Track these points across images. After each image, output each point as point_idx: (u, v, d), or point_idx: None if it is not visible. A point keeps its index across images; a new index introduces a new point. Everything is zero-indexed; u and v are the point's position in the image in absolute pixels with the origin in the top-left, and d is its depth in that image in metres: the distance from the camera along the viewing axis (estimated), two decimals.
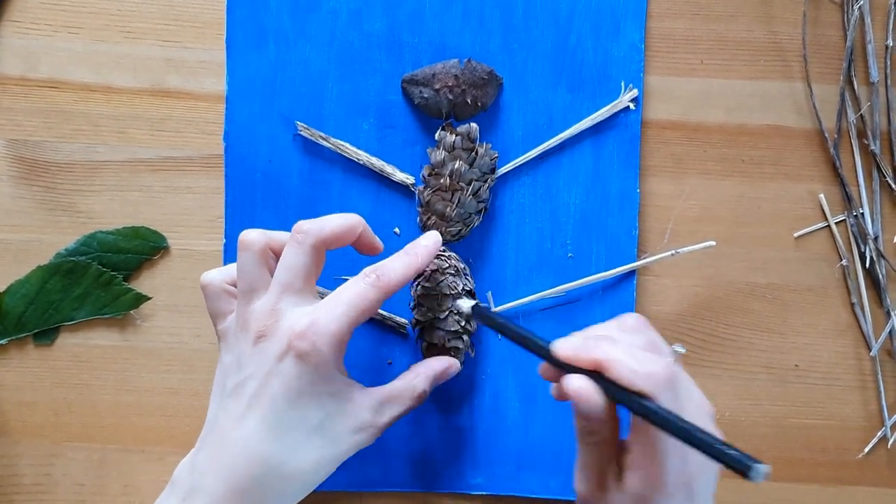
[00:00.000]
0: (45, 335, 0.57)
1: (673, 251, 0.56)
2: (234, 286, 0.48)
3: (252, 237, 0.46)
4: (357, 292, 0.45)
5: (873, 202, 0.58)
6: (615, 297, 0.57)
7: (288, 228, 0.55)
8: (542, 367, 0.44)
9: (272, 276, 0.46)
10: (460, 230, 0.55)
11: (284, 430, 0.44)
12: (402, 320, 0.56)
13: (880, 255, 0.57)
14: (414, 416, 0.56)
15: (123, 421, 0.58)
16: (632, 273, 0.56)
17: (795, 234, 0.58)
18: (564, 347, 0.41)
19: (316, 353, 0.43)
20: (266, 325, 0.45)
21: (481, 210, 0.55)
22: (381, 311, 0.56)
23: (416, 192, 0.56)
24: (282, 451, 0.44)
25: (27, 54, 0.57)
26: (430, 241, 0.50)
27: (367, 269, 0.47)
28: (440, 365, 0.51)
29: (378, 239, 0.50)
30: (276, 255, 0.48)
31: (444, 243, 0.56)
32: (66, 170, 0.57)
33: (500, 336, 0.57)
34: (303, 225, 0.46)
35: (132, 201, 0.57)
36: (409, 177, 0.56)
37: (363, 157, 0.56)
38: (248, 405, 0.44)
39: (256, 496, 0.43)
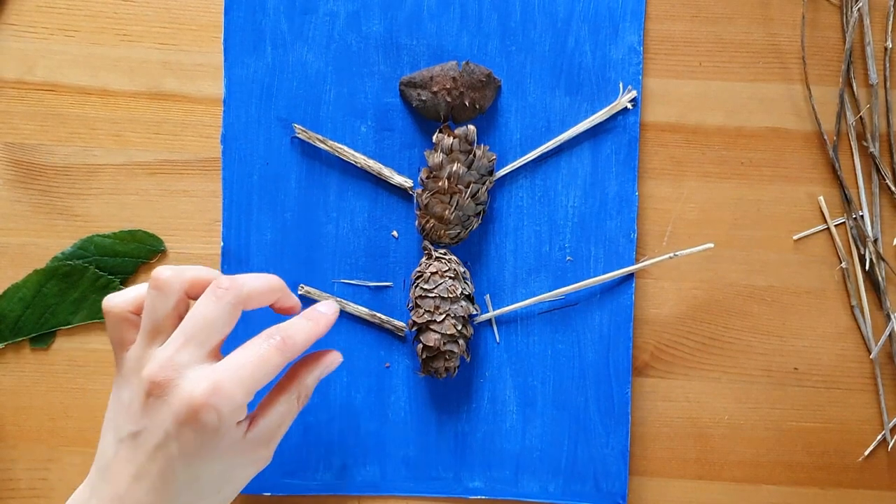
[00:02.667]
0: (42, 339, 0.57)
1: (672, 254, 0.56)
2: (138, 315, 0.45)
3: (167, 277, 0.44)
4: (262, 356, 0.43)
5: (873, 204, 0.57)
6: (614, 300, 0.56)
7: (285, 232, 0.56)
8: None
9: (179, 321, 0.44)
10: (459, 233, 0.55)
11: (181, 490, 0.42)
12: (400, 323, 0.56)
13: (880, 257, 0.57)
14: (412, 420, 0.56)
15: None
16: (630, 276, 0.56)
17: (795, 237, 0.58)
18: None
19: (219, 422, 0.41)
20: (162, 379, 0.42)
21: (480, 212, 0.55)
22: (378, 314, 0.56)
23: (415, 194, 0.56)
24: None
25: (23, 57, 0.57)
26: (330, 309, 0.48)
27: (270, 331, 0.45)
28: (319, 370, 0.48)
29: (295, 298, 0.49)
30: (190, 297, 0.45)
31: (443, 246, 0.55)
32: (63, 173, 0.57)
33: (497, 341, 0.57)
34: (223, 281, 0.44)
35: (129, 205, 0.57)
36: (408, 179, 0.56)
37: (360, 159, 0.56)
38: (144, 463, 0.42)
39: None
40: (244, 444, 0.44)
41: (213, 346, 0.44)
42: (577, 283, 0.56)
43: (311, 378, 0.48)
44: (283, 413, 0.46)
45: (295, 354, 0.45)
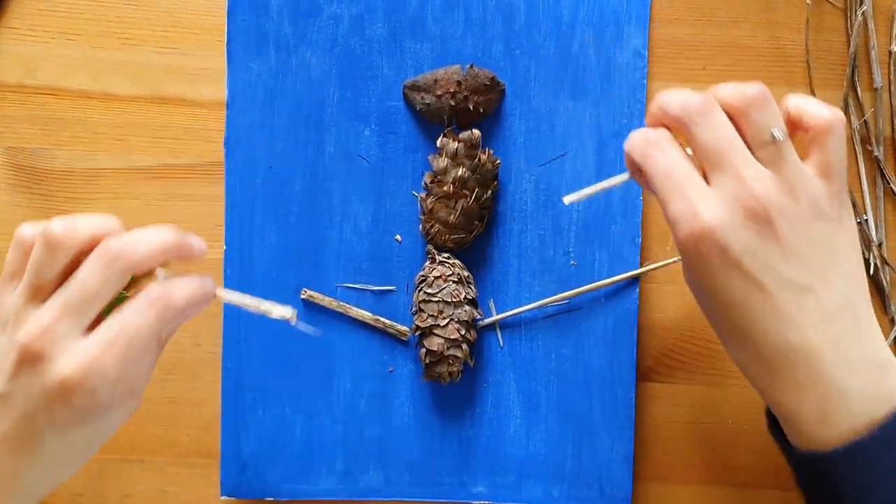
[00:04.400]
0: None
1: (676, 258, 0.56)
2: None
3: (60, 233, 0.40)
4: (139, 325, 0.40)
5: (877, 209, 0.57)
6: (618, 304, 0.56)
7: (288, 238, 0.56)
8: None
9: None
10: (463, 237, 0.55)
11: (48, 455, 0.41)
12: (404, 328, 0.56)
13: (884, 261, 0.57)
14: (416, 424, 0.56)
15: (122, 430, 0.56)
16: (635, 281, 0.56)
17: None
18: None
19: (93, 400, 0.39)
20: (37, 350, 0.39)
21: (484, 217, 0.55)
22: (381, 318, 0.56)
23: (419, 199, 0.56)
24: (44, 470, 0.42)
25: (25, 61, 0.57)
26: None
27: (151, 291, 0.41)
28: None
29: (195, 239, 0.43)
30: (83, 253, 0.41)
31: (447, 251, 0.55)
32: (64, 178, 0.57)
33: (501, 346, 0.56)
34: (112, 244, 0.40)
35: (131, 209, 0.57)
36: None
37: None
38: (8, 427, 0.40)
39: (14, 501, 0.42)
40: (121, 403, 0.41)
41: (94, 315, 0.40)
42: (581, 287, 0.56)
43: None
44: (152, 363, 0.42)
45: (176, 321, 0.41)
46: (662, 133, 0.42)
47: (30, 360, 0.39)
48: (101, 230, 0.41)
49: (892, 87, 0.57)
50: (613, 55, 0.56)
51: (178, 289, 0.41)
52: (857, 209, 0.57)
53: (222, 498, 0.56)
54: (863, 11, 0.56)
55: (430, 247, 0.55)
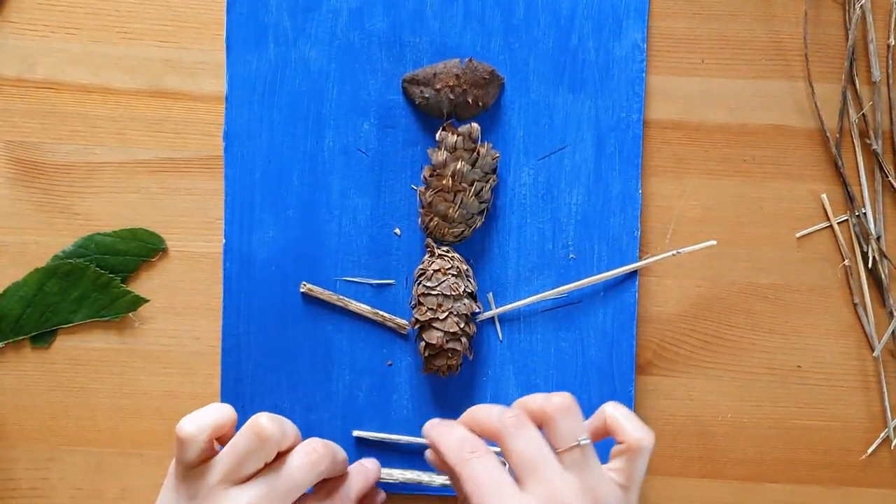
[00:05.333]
0: (43, 338, 0.57)
1: (674, 251, 0.56)
2: (214, 439, 0.46)
3: (270, 432, 0.44)
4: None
5: (876, 202, 0.57)
6: (617, 298, 0.56)
7: (286, 231, 0.56)
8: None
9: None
10: (462, 231, 0.55)
11: None
12: (402, 321, 0.56)
13: (883, 255, 0.57)
14: (415, 418, 0.56)
15: (121, 424, 0.57)
16: (634, 274, 0.56)
17: (797, 234, 0.58)
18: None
19: None
20: None
21: (483, 210, 0.55)
22: (381, 312, 0.56)
23: (418, 192, 0.56)
24: None
25: (24, 55, 0.57)
26: (374, 465, 0.53)
27: (339, 489, 0.49)
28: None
29: (372, 464, 0.53)
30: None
31: (446, 244, 0.55)
32: (64, 171, 0.57)
33: (500, 339, 0.56)
34: (319, 446, 0.46)
35: (130, 203, 0.57)
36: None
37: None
38: None
39: None
40: None
41: (292, 501, 0.45)
42: (580, 280, 0.56)
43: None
44: None
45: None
46: (478, 441, 0.46)
47: None
48: (294, 441, 0.47)
49: (891, 81, 0.57)
50: (612, 48, 0.56)
51: (353, 484, 0.50)
52: (856, 202, 0.57)
53: None
54: (861, 5, 0.56)
55: (429, 240, 0.55)
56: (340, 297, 0.56)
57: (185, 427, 0.44)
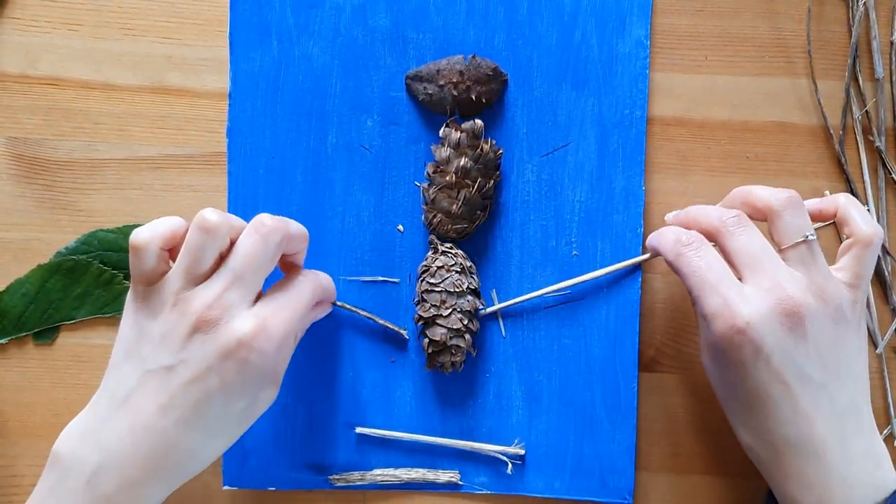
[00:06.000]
0: (45, 334, 0.57)
1: None
2: (167, 250, 0.46)
3: (216, 222, 0.44)
4: (301, 297, 0.47)
5: (879, 199, 0.57)
6: (620, 294, 0.56)
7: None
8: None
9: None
10: (465, 227, 0.55)
11: (210, 422, 0.44)
12: (402, 330, 0.56)
13: (886, 252, 0.57)
14: (418, 414, 0.56)
15: None
16: (637, 271, 0.56)
17: None
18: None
19: (263, 360, 0.44)
20: (213, 317, 0.44)
21: (486, 207, 0.55)
22: (379, 319, 0.56)
23: (421, 189, 0.56)
24: (204, 439, 0.45)
25: (26, 51, 0.57)
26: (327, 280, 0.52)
27: (306, 271, 0.49)
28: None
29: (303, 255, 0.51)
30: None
31: (449, 241, 0.55)
32: (66, 168, 0.57)
33: (503, 336, 0.56)
34: (266, 220, 0.45)
35: (133, 199, 0.57)
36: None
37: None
38: (177, 395, 0.43)
39: (170, 476, 0.45)
40: (273, 376, 0.46)
41: (259, 285, 0.46)
42: (583, 276, 0.56)
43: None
44: (298, 322, 0.47)
45: (325, 297, 0.50)
46: (695, 234, 0.46)
47: (205, 326, 0.43)
48: (238, 219, 0.47)
49: (894, 78, 0.57)
50: (615, 45, 0.56)
51: (323, 277, 0.50)
52: (859, 200, 0.57)
53: (225, 488, 0.56)
54: (864, 2, 0.56)
55: (432, 237, 0.55)
56: (344, 305, 0.56)
57: (139, 234, 0.45)
